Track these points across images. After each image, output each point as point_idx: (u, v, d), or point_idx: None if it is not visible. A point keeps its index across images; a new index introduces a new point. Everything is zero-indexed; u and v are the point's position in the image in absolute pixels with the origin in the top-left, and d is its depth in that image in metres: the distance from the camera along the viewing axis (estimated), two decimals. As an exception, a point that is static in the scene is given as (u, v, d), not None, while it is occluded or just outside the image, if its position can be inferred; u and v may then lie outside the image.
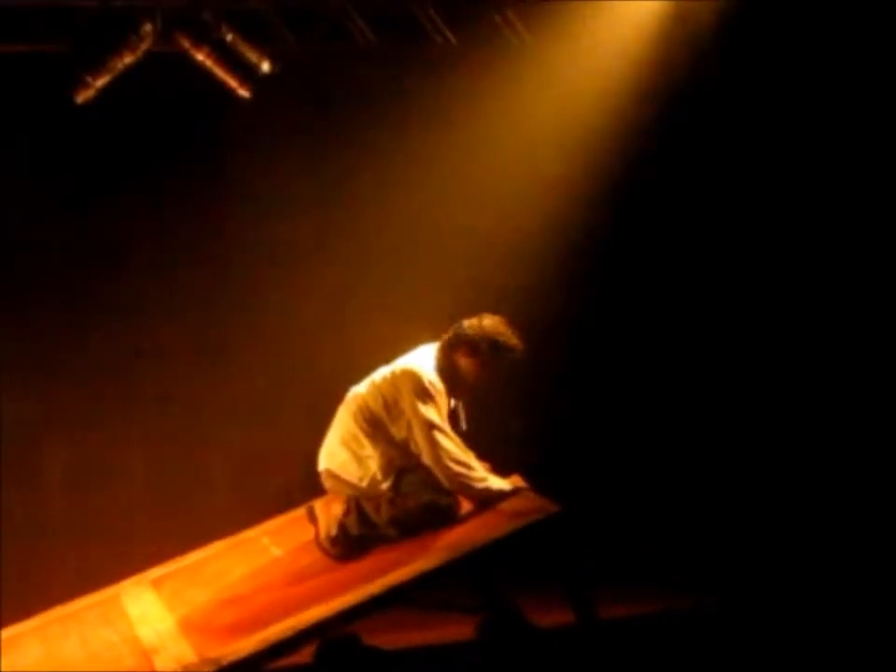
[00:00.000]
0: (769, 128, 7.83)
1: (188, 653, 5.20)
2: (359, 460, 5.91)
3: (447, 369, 5.89)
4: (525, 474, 5.96)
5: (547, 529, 5.61)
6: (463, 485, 5.77)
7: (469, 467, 5.77)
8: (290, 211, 8.06)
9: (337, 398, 6.12)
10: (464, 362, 5.90)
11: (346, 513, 5.87)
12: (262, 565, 6.07)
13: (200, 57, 6.88)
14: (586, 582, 5.80)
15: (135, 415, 7.95)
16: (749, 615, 6.54)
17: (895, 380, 7.51)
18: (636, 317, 8.37)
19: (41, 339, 7.74)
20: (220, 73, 6.97)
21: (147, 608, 5.85)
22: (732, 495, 7.75)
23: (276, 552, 6.18)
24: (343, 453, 5.94)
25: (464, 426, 6.02)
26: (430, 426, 5.75)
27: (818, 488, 7.50)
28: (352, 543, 5.83)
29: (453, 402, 5.98)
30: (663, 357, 8.30)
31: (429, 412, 5.76)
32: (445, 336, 5.95)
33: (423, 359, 5.93)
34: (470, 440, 5.96)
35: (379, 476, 5.89)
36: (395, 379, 5.88)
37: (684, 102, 7.98)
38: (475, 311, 5.99)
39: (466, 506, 5.87)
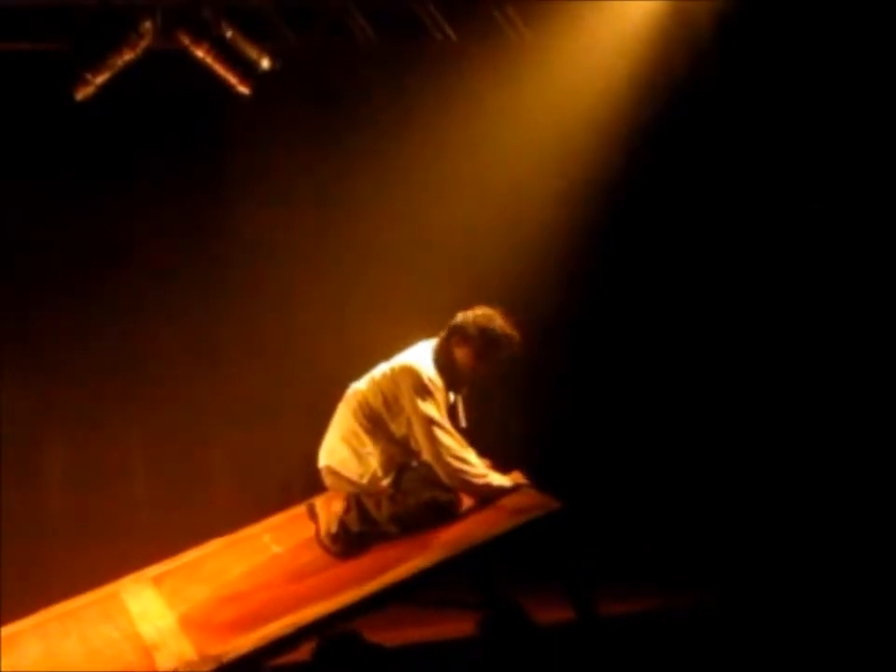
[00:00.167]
0: (768, 127, 7.83)
1: (188, 650, 5.20)
2: (360, 457, 5.91)
3: (445, 363, 5.89)
4: (526, 471, 5.98)
5: (548, 526, 5.61)
6: (463, 482, 5.77)
7: (469, 463, 5.77)
8: (290, 209, 8.05)
9: (337, 395, 6.12)
10: (459, 354, 5.90)
11: (347, 510, 5.87)
12: (263, 562, 6.07)
13: (200, 54, 6.88)
14: (586, 579, 5.80)
15: (135, 414, 7.94)
16: (749, 612, 6.54)
17: (895, 380, 7.51)
18: (636, 316, 8.36)
19: (41, 338, 7.74)
20: (220, 70, 6.96)
21: (148, 605, 5.85)
22: (732, 495, 7.73)
23: (277, 549, 6.18)
24: (343, 449, 5.94)
25: (463, 423, 6.02)
26: (430, 422, 5.75)
27: (817, 488, 7.50)
28: (352, 540, 5.83)
29: (452, 398, 5.98)
30: (663, 357, 8.29)
31: (429, 408, 5.76)
32: (443, 331, 5.96)
33: (422, 356, 5.93)
34: (471, 437, 5.96)
35: (379, 473, 5.89)
36: (394, 375, 5.88)
37: (683, 100, 7.98)
38: (474, 309, 6.03)
39: (466, 503, 5.87)
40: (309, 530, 6.05)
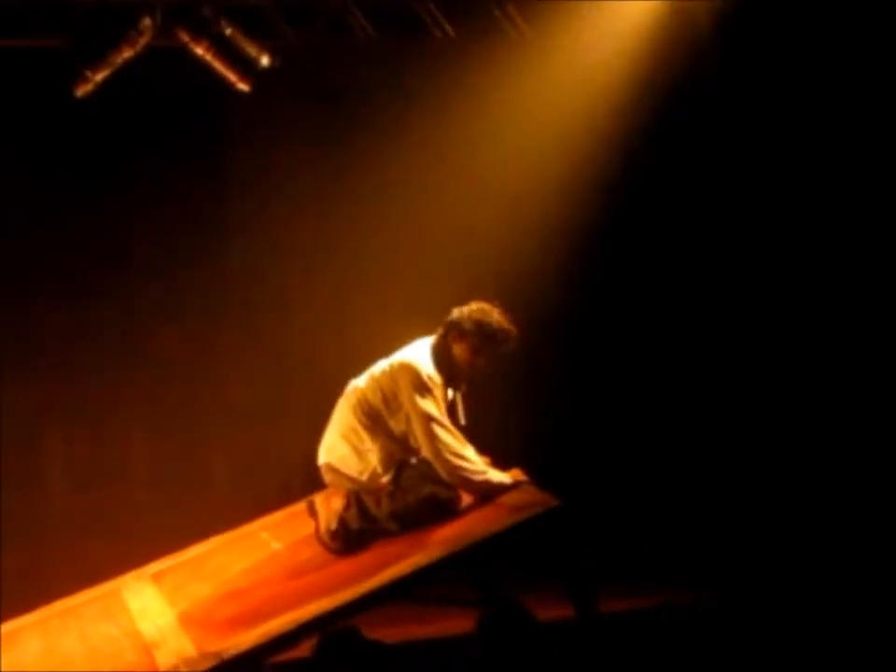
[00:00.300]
0: (767, 127, 7.83)
1: (188, 648, 5.19)
2: (359, 454, 5.91)
3: (444, 360, 5.90)
4: (525, 468, 5.98)
5: (547, 523, 5.61)
6: (462, 479, 5.77)
7: (468, 460, 5.78)
8: (290, 208, 8.05)
9: (336, 393, 6.13)
10: (457, 350, 5.91)
11: (346, 507, 5.86)
12: (262, 559, 6.07)
13: (199, 51, 6.87)
14: (586, 577, 5.80)
15: (136, 413, 7.95)
16: (749, 610, 6.53)
17: (895, 380, 7.51)
18: (636, 316, 8.36)
19: (41, 338, 7.74)
20: (220, 67, 6.95)
21: (148, 602, 5.85)
22: (732, 495, 7.73)
23: (276, 546, 6.18)
24: (342, 447, 5.95)
25: (462, 420, 6.02)
26: (429, 419, 5.75)
27: (817, 488, 7.50)
28: (352, 537, 5.82)
29: (451, 395, 5.98)
30: (663, 357, 8.29)
31: (428, 405, 5.77)
32: (440, 328, 5.97)
33: (420, 353, 5.93)
34: (470, 435, 5.96)
35: (379, 470, 5.90)
36: (393, 372, 5.89)
37: (682, 99, 7.98)
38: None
39: (466, 500, 5.87)
40: (309, 527, 6.05)
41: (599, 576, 5.89)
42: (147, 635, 5.43)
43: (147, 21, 6.72)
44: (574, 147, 8.05)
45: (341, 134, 7.99)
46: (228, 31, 6.91)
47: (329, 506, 5.95)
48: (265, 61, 7.06)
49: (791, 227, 7.79)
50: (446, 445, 5.75)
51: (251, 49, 7.01)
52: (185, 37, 6.84)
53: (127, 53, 6.74)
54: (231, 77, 7.01)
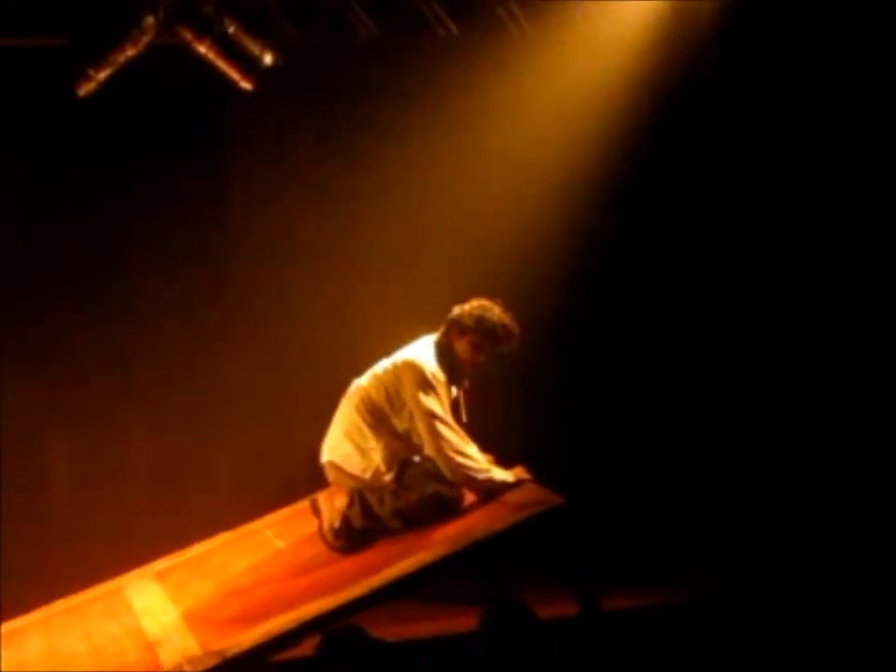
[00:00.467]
0: (767, 126, 7.82)
1: (192, 646, 5.20)
2: (363, 452, 5.92)
3: (446, 357, 5.91)
4: (529, 466, 5.98)
5: (550, 521, 5.61)
6: (466, 476, 5.77)
7: (471, 458, 5.78)
8: (292, 206, 8.05)
9: (339, 392, 6.13)
10: (458, 346, 5.93)
11: (350, 506, 5.87)
12: (266, 557, 6.08)
13: (202, 49, 6.86)
14: (589, 574, 5.81)
15: (138, 412, 7.95)
16: (749, 608, 6.54)
17: (895, 380, 7.51)
18: (637, 315, 8.36)
19: (42, 337, 7.73)
20: (222, 65, 6.95)
21: (151, 600, 5.86)
22: (731, 495, 7.73)
23: (280, 544, 6.19)
24: (346, 445, 5.95)
25: (465, 417, 6.02)
26: (432, 416, 5.76)
27: (817, 487, 7.49)
28: (355, 536, 5.83)
29: (454, 392, 5.99)
30: (663, 357, 8.28)
31: (431, 402, 5.77)
32: (442, 326, 5.99)
33: (424, 350, 5.94)
34: (473, 433, 5.97)
35: (382, 468, 5.90)
36: (397, 370, 5.90)
37: (683, 99, 7.97)
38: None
39: (469, 498, 5.88)
40: (312, 525, 6.05)
41: (600, 575, 5.89)
42: (150, 633, 5.44)
43: (149, 20, 6.70)
44: (575, 146, 8.04)
45: (342, 133, 7.99)
46: (231, 29, 6.90)
47: (332, 504, 5.96)
48: (268, 59, 7.05)
49: (791, 227, 7.79)
50: (449, 443, 5.75)
51: (254, 48, 7.00)
52: (187, 35, 6.82)
53: (130, 52, 6.73)
54: (234, 75, 7.00)
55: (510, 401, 8.30)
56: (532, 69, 7.91)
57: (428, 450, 5.82)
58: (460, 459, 5.75)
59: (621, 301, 8.37)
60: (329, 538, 5.89)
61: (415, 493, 5.82)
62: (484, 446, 5.97)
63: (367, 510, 5.84)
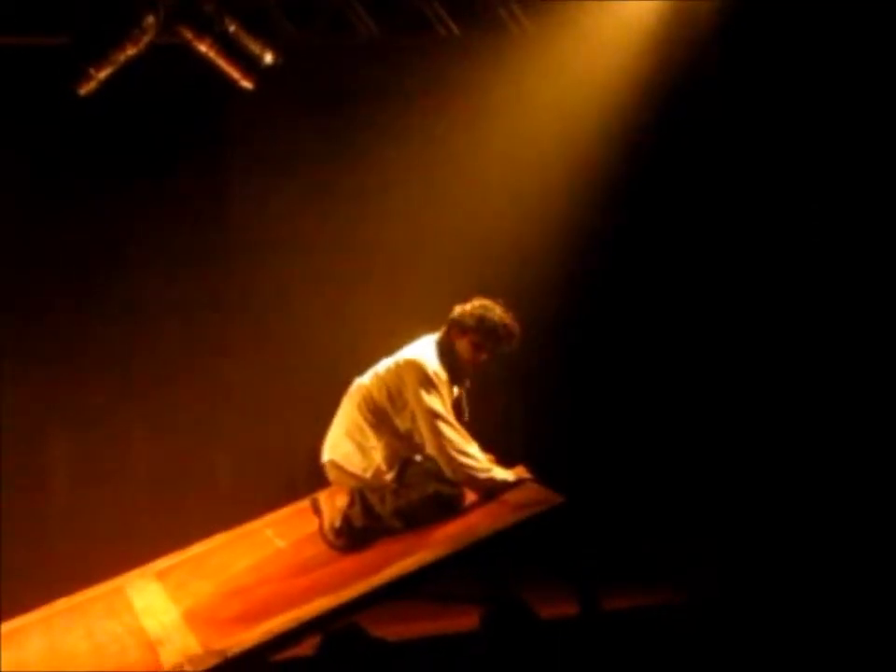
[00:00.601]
0: (767, 126, 7.82)
1: (193, 645, 5.20)
2: (363, 451, 5.92)
3: (447, 356, 5.92)
4: (529, 466, 5.99)
5: (551, 520, 5.61)
6: (467, 476, 5.77)
7: (472, 457, 5.78)
8: (292, 205, 8.04)
9: (340, 391, 6.14)
10: (459, 346, 5.94)
11: (350, 505, 5.87)
12: (266, 556, 6.08)
13: (202, 48, 6.86)
14: (589, 574, 5.81)
15: (138, 410, 7.94)
16: (749, 608, 6.54)
17: (895, 380, 7.51)
18: (638, 315, 8.36)
19: (43, 336, 7.73)
20: (223, 64, 6.95)
21: (152, 599, 5.86)
22: (731, 495, 7.73)
23: (280, 543, 6.19)
24: (347, 444, 5.95)
25: (467, 416, 6.03)
26: (434, 415, 5.76)
27: (817, 487, 7.50)
28: (356, 535, 5.83)
29: (456, 391, 6.00)
30: (664, 357, 8.28)
31: (433, 401, 5.78)
32: (444, 325, 5.99)
33: (425, 349, 5.95)
34: (474, 432, 5.97)
35: (383, 467, 5.91)
36: (399, 370, 5.90)
37: (683, 99, 7.97)
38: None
39: (470, 497, 5.88)
40: (313, 525, 6.05)
41: (600, 575, 5.89)
42: (151, 632, 5.44)
43: (150, 19, 6.70)
44: (576, 146, 8.05)
45: (342, 133, 7.98)
46: (231, 28, 6.90)
47: (333, 503, 5.96)
48: (269, 58, 7.05)
49: (791, 227, 7.79)
50: (451, 442, 5.76)
51: (254, 47, 7.00)
52: (188, 35, 6.82)
53: (130, 51, 6.74)
54: (235, 74, 7.00)
55: (510, 401, 8.30)
56: (533, 69, 7.92)
57: (430, 449, 5.82)
58: (462, 458, 5.75)
59: (621, 301, 8.37)
60: (330, 537, 5.89)
61: (416, 492, 5.82)
62: (485, 446, 5.98)
63: (368, 509, 5.84)
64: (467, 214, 8.12)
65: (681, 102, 7.96)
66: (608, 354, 8.39)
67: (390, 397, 5.92)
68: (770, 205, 7.87)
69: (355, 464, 5.93)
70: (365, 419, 5.94)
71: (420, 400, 5.79)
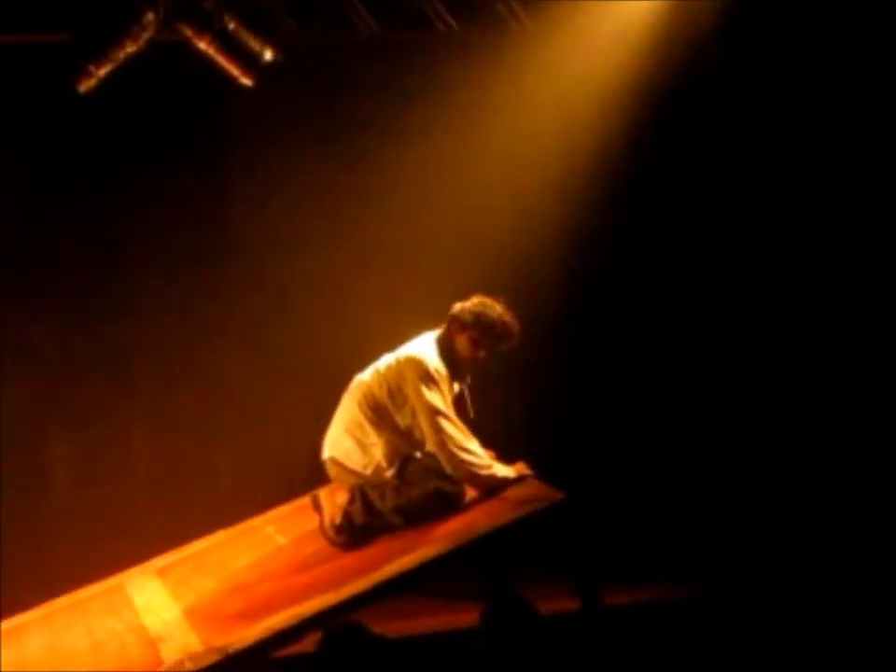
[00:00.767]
0: (767, 126, 7.82)
1: (194, 642, 5.21)
2: (364, 448, 5.93)
3: (448, 353, 5.93)
4: (530, 462, 5.99)
5: (552, 517, 5.61)
6: (467, 472, 5.78)
7: (473, 453, 5.79)
8: (292, 203, 8.03)
9: (340, 388, 6.14)
10: (458, 342, 5.95)
11: (351, 501, 5.88)
12: (267, 553, 6.08)
13: (202, 46, 6.86)
14: (589, 570, 5.81)
15: (138, 410, 7.94)
16: (749, 607, 6.54)
17: (895, 380, 7.51)
18: (636, 314, 8.35)
19: (43, 335, 7.72)
20: (223, 62, 6.95)
21: (153, 596, 5.86)
22: (731, 495, 7.73)
23: (281, 540, 6.20)
24: (347, 441, 5.96)
25: (471, 413, 6.03)
26: (435, 412, 5.77)
27: (817, 487, 7.50)
28: (356, 531, 5.83)
29: (457, 388, 6.00)
30: (664, 357, 8.28)
31: (434, 398, 5.78)
32: (444, 322, 6.00)
33: (426, 346, 5.96)
34: (475, 428, 5.97)
35: (384, 464, 5.91)
36: (399, 366, 5.90)
37: (683, 97, 7.97)
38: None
39: (470, 493, 5.88)
40: (313, 521, 6.06)
41: (601, 572, 5.90)
42: (152, 629, 5.45)
43: (149, 16, 6.71)
44: (575, 144, 8.04)
45: (342, 131, 7.97)
46: (231, 25, 6.90)
47: (333, 500, 5.97)
48: (268, 55, 7.05)
49: (791, 226, 7.79)
50: (451, 438, 5.76)
51: (254, 44, 7.00)
52: (188, 32, 6.82)
53: (130, 48, 6.73)
54: (235, 71, 7.00)
55: (510, 398, 8.29)
56: (532, 66, 7.91)
57: (430, 445, 5.83)
58: (462, 455, 5.76)
59: (620, 299, 8.37)
60: (331, 533, 5.89)
61: (417, 489, 5.83)
62: (486, 442, 5.98)
63: (368, 505, 5.85)
64: (466, 212, 8.11)
65: (681, 100, 7.96)
66: (608, 351, 8.38)
67: (390, 393, 5.92)
68: (769, 205, 7.87)
69: (355, 461, 5.93)
70: (365, 416, 5.94)
71: (421, 397, 5.80)
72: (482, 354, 5.99)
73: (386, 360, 6.00)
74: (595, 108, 8.00)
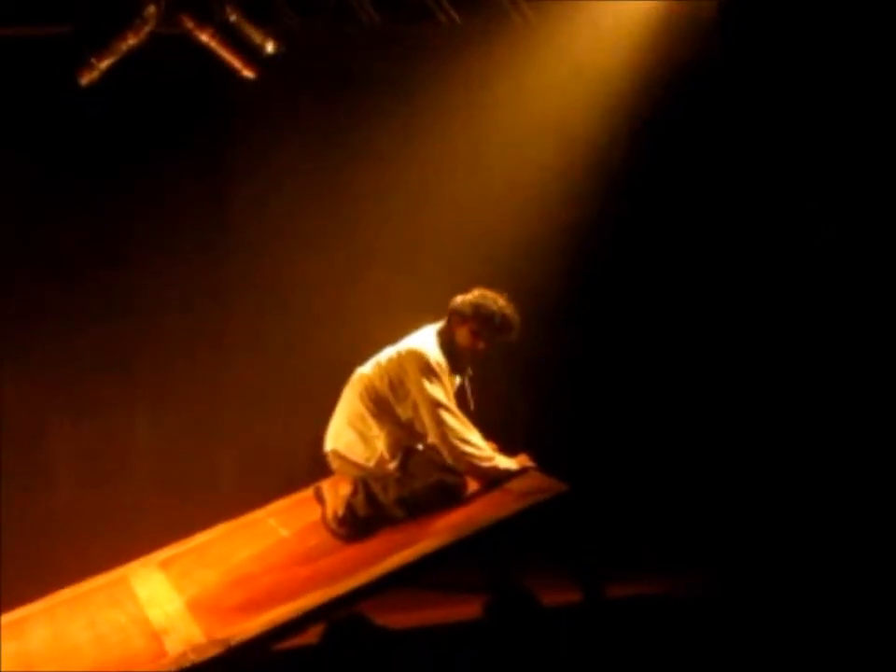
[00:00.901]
0: (767, 124, 7.80)
1: (197, 634, 5.21)
2: (366, 440, 5.93)
3: (449, 346, 5.94)
4: (532, 454, 5.99)
5: (554, 508, 5.61)
6: (469, 464, 5.78)
7: (475, 445, 5.79)
8: (293, 199, 8.01)
9: (341, 381, 6.15)
10: (459, 335, 5.96)
11: (354, 494, 5.88)
12: (270, 545, 6.09)
13: (204, 38, 6.84)
14: (592, 561, 5.82)
15: (139, 404, 7.93)
16: (749, 607, 6.54)
17: (895, 380, 7.50)
18: (637, 308, 8.34)
19: (44, 334, 7.71)
20: (225, 54, 6.93)
21: (156, 589, 5.87)
22: (731, 494, 7.72)
23: (284, 532, 6.20)
24: (349, 433, 5.97)
25: (472, 406, 6.04)
26: (436, 404, 5.77)
27: (817, 487, 7.49)
28: (359, 524, 5.84)
29: (458, 380, 6.01)
30: (664, 357, 8.27)
31: (435, 390, 5.79)
32: (445, 316, 6.01)
33: (427, 339, 5.97)
34: (477, 420, 5.98)
35: (386, 456, 5.92)
36: (401, 359, 5.91)
37: (684, 92, 7.95)
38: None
39: (473, 486, 5.88)
40: (316, 514, 6.07)
41: (603, 564, 5.90)
42: (155, 622, 5.45)
43: (151, 9, 6.69)
44: (576, 139, 8.03)
45: (343, 125, 7.96)
46: (233, 17, 6.89)
47: (336, 492, 5.97)
48: (270, 47, 7.03)
49: (791, 226, 7.78)
50: (453, 431, 5.77)
51: (256, 36, 6.98)
52: (189, 24, 6.80)
53: (131, 40, 6.72)
54: (237, 63, 6.99)
55: (512, 391, 8.29)
56: (534, 60, 7.89)
57: (432, 438, 5.84)
58: (464, 447, 5.76)
59: (622, 293, 8.35)
60: (333, 526, 5.90)
61: (419, 481, 5.83)
62: (488, 435, 5.98)
63: (370, 498, 5.85)
64: (467, 209, 8.09)
65: (682, 95, 7.94)
66: (609, 346, 8.37)
67: (392, 386, 5.93)
68: (770, 203, 7.85)
69: (357, 453, 5.94)
70: (367, 408, 5.95)
71: (422, 389, 5.80)
72: (481, 346, 6.00)
73: (388, 353, 6.01)
74: (596, 102, 7.99)
